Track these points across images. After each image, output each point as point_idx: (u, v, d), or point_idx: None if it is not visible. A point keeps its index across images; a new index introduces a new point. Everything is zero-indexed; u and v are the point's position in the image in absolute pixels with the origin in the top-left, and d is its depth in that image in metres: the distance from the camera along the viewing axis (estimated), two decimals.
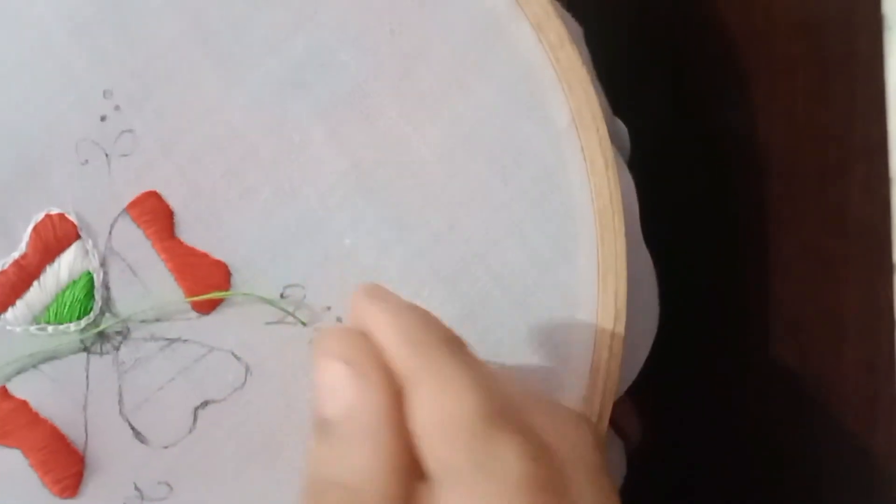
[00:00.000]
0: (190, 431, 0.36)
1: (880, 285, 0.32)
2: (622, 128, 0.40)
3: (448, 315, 0.34)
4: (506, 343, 0.37)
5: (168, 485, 0.36)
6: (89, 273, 0.35)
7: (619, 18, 0.39)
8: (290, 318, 0.36)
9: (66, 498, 0.35)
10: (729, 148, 0.44)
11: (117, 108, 0.35)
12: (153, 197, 0.35)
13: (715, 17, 0.43)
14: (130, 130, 0.35)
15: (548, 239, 0.37)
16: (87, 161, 0.35)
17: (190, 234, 0.35)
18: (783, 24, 0.40)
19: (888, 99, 0.31)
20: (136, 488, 0.36)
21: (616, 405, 0.38)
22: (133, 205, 0.35)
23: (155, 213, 0.35)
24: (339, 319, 0.36)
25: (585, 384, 0.39)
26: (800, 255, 0.39)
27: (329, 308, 0.36)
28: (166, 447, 0.36)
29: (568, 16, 0.38)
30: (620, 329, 0.39)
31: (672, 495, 0.45)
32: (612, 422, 0.39)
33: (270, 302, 0.34)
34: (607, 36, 0.38)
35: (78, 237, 0.35)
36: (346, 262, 0.36)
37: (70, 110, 0.35)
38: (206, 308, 0.35)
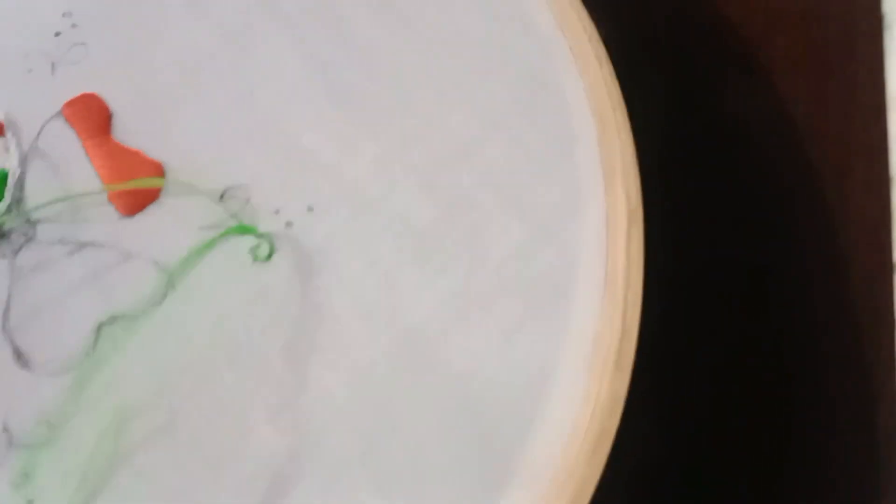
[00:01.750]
0: (87, 355, 0.17)
1: (880, 285, 0.24)
2: None
3: (425, 217, 0.23)
4: (497, 247, 0.23)
5: (51, 425, 0.17)
6: (4, 171, 0.19)
7: (617, 18, 0.27)
8: (230, 222, 0.18)
9: None
10: (728, 148, 0.33)
11: (74, 25, 0.22)
12: (91, 98, 0.21)
13: (714, 17, 0.34)
14: (83, 43, 0.22)
15: (542, 137, 0.24)
16: (31, 70, 0.21)
17: (128, 134, 0.21)
18: (783, 24, 0.31)
19: (888, 99, 0.23)
20: (5, 428, 0.16)
21: None
22: (68, 104, 0.21)
23: (90, 112, 0.20)
24: (288, 224, 0.19)
25: (601, 296, 0.22)
26: (800, 255, 0.29)
27: (277, 211, 0.19)
28: (53, 376, 0.17)
29: None
30: (637, 231, 0.23)
31: (672, 495, 0.32)
32: None
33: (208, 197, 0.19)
34: (605, 35, 0.28)
35: (1, 135, 0.20)
36: (303, 160, 0.19)
37: (24, 26, 0.21)
38: (131, 208, 0.19)
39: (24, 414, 0.21)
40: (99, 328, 0.22)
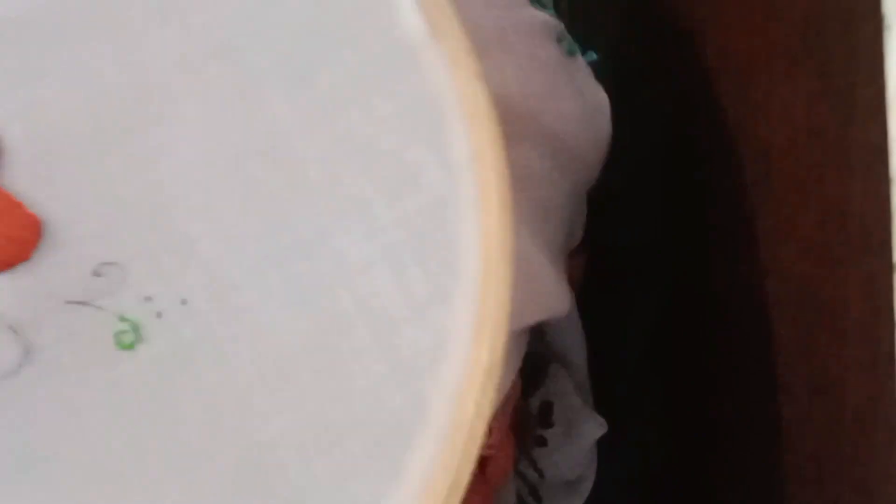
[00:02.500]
0: None
1: (880, 285, 0.23)
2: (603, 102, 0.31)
3: (295, 334, 0.23)
4: (359, 379, 0.25)
5: None
6: None
7: (616, 17, 0.27)
8: (98, 302, 0.18)
9: None
10: (728, 148, 0.34)
11: None
12: None
13: (714, 17, 0.34)
14: None
15: (425, 273, 0.25)
16: None
17: (14, 179, 0.19)
18: (782, 24, 0.31)
19: (888, 99, 0.23)
20: None
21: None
22: None
23: None
24: (159, 315, 0.18)
25: (442, 443, 0.23)
26: (799, 255, 0.30)
27: (150, 298, 0.18)
28: None
29: (544, 14, 0.25)
30: (491, 387, 0.24)
31: (672, 495, 0.35)
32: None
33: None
34: (603, 35, 0.31)
35: None
36: (185, 251, 0.19)
37: None
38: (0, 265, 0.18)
39: None
40: None
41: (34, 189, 0.24)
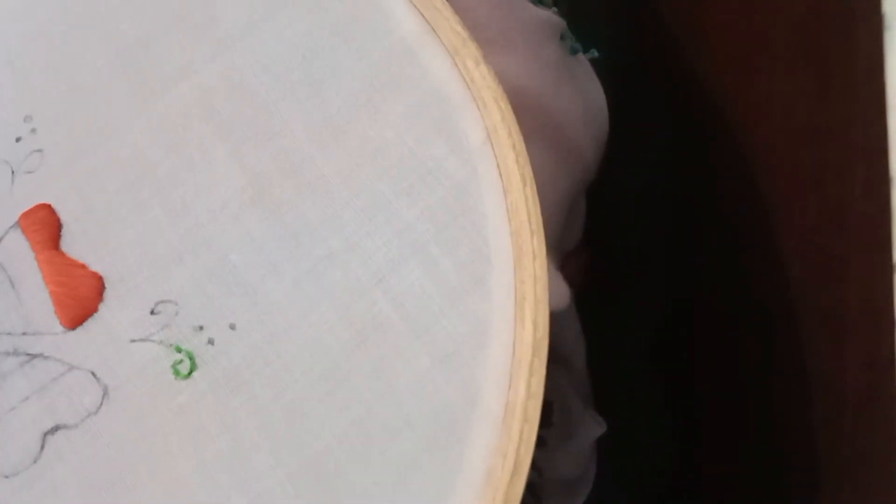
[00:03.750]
0: (35, 461, 0.20)
1: (880, 285, 0.23)
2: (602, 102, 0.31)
3: (338, 343, 0.24)
4: (403, 378, 0.25)
5: None
6: None
7: (616, 17, 0.27)
8: (156, 337, 0.20)
9: None
10: (729, 148, 0.33)
11: (33, 130, 0.24)
12: (45, 209, 0.23)
13: (714, 17, 0.34)
14: (40, 150, 0.23)
15: (456, 262, 0.25)
16: None
17: (76, 247, 0.23)
18: (783, 24, 0.31)
19: (888, 99, 0.23)
20: None
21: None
22: (25, 216, 0.23)
23: (43, 224, 0.23)
24: (210, 341, 0.21)
25: (498, 429, 0.23)
26: (800, 255, 0.30)
27: (201, 327, 0.21)
28: (7, 476, 0.20)
29: (547, 12, 0.25)
30: (540, 364, 0.23)
31: (671, 493, 0.34)
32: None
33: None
34: (603, 36, 0.30)
35: None
36: (228, 279, 0.21)
37: None
38: (73, 322, 0.21)
39: None
40: (44, 437, 0.25)
41: (91, 251, 0.27)
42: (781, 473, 0.31)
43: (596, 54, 0.27)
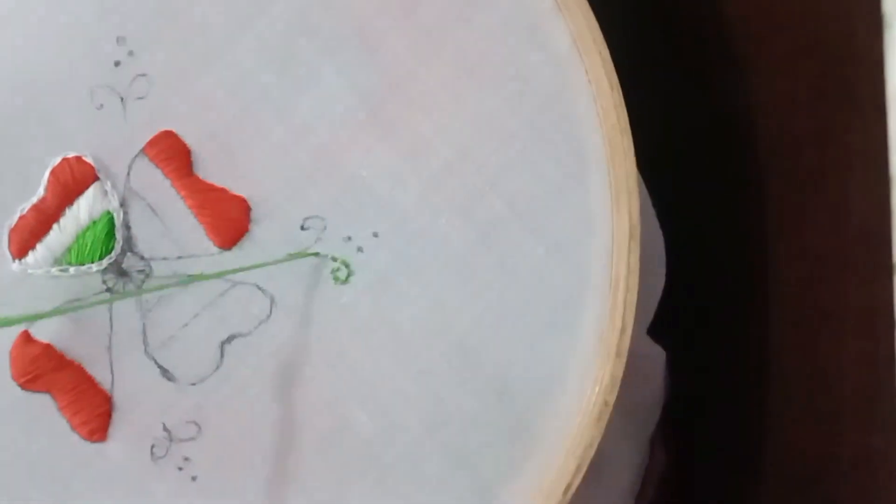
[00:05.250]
0: (217, 368, 0.24)
1: (880, 285, 0.25)
2: None
3: (465, 242, 0.28)
4: (523, 267, 0.29)
5: (196, 424, 0.24)
6: (109, 213, 0.23)
7: (616, 17, 0.29)
8: (312, 249, 0.24)
9: (95, 441, 0.23)
10: (729, 148, 0.35)
11: (131, 53, 0.24)
12: (170, 136, 0.24)
13: (714, 17, 0.35)
14: (144, 74, 0.24)
15: (558, 164, 0.30)
16: (102, 106, 0.24)
17: (207, 171, 0.24)
18: (783, 24, 0.32)
19: (888, 99, 0.24)
20: (165, 428, 0.24)
21: None
22: (150, 144, 0.24)
23: (172, 152, 0.24)
24: (360, 249, 0.24)
25: (607, 299, 0.29)
26: (800, 255, 0.31)
27: (350, 238, 0.24)
28: (194, 384, 0.24)
29: None
30: (636, 245, 0.29)
31: (671, 493, 0.35)
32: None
33: (294, 256, 0.23)
34: (605, 34, 0.29)
35: (96, 178, 0.24)
36: (363, 193, 0.24)
37: (83, 58, 0.24)
38: (228, 243, 0.23)
39: (178, 417, 0.28)
40: (222, 346, 0.29)
41: (226, 176, 0.29)
42: (781, 473, 0.31)
43: None
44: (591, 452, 0.29)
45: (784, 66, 0.32)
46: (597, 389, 0.29)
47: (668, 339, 0.33)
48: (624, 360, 0.29)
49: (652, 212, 0.33)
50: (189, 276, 0.28)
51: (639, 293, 0.29)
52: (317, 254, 0.28)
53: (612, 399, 0.29)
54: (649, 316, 0.33)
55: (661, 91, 0.36)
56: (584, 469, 0.29)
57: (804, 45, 0.30)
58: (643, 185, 0.32)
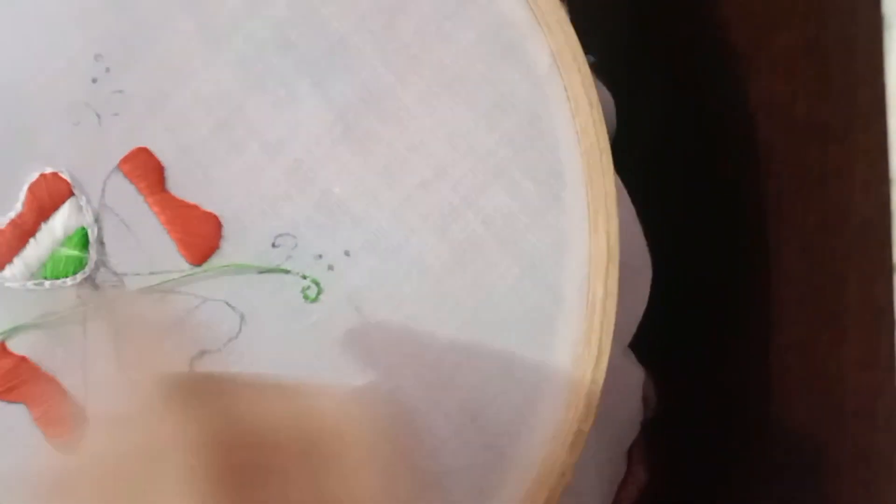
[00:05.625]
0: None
1: (880, 285, 0.25)
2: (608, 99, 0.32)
3: (439, 261, 0.28)
4: (498, 287, 0.28)
5: None
6: (84, 229, 0.23)
7: (617, 17, 0.27)
8: (282, 267, 0.23)
9: (68, 453, 0.24)
10: (729, 148, 0.35)
11: (108, 70, 0.24)
12: (144, 153, 0.24)
13: (715, 18, 0.34)
14: (121, 91, 0.24)
15: (535, 182, 0.28)
16: (78, 122, 0.24)
17: (180, 188, 0.24)
18: (783, 24, 0.32)
19: (888, 99, 0.24)
20: None
21: None
22: (125, 161, 0.24)
23: (146, 168, 0.24)
24: (330, 267, 0.24)
25: (582, 323, 0.29)
26: (800, 255, 0.31)
27: (321, 256, 0.24)
28: None
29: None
30: (614, 268, 0.29)
31: (672, 493, 0.35)
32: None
33: (264, 269, 0.23)
34: (605, 34, 0.30)
35: (71, 194, 0.24)
36: (336, 210, 0.24)
37: (61, 74, 0.24)
38: (199, 259, 0.23)
39: None
40: (191, 362, 0.29)
41: (199, 192, 0.29)
42: (781, 472, 0.31)
43: (593, 59, 0.28)
44: (564, 481, 0.28)
45: (784, 66, 0.32)
46: (570, 416, 0.28)
47: (667, 339, 0.32)
48: (600, 387, 0.28)
49: (638, 228, 0.32)
50: (160, 292, 0.28)
51: (618, 313, 0.29)
52: (287, 270, 0.28)
53: (586, 427, 0.28)
54: (630, 334, 0.32)
55: (661, 91, 0.36)
56: (556, 499, 0.28)
57: (804, 47, 0.30)
58: (628, 200, 0.31)
